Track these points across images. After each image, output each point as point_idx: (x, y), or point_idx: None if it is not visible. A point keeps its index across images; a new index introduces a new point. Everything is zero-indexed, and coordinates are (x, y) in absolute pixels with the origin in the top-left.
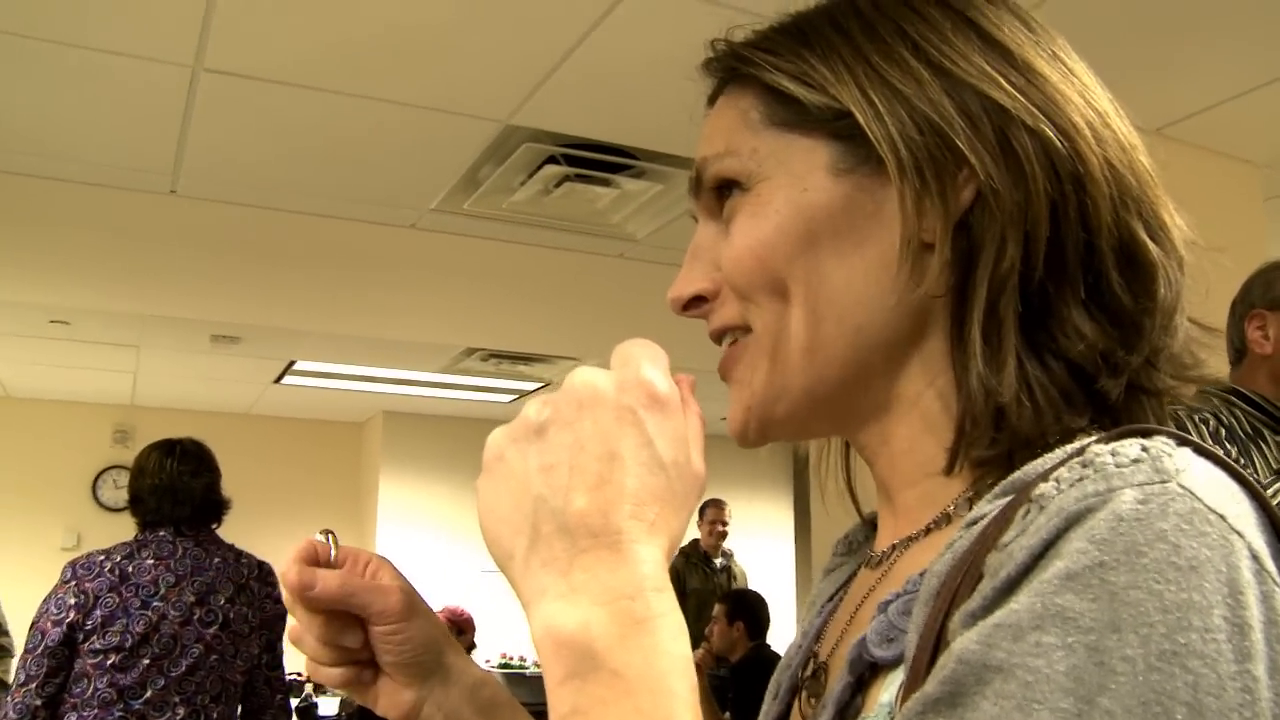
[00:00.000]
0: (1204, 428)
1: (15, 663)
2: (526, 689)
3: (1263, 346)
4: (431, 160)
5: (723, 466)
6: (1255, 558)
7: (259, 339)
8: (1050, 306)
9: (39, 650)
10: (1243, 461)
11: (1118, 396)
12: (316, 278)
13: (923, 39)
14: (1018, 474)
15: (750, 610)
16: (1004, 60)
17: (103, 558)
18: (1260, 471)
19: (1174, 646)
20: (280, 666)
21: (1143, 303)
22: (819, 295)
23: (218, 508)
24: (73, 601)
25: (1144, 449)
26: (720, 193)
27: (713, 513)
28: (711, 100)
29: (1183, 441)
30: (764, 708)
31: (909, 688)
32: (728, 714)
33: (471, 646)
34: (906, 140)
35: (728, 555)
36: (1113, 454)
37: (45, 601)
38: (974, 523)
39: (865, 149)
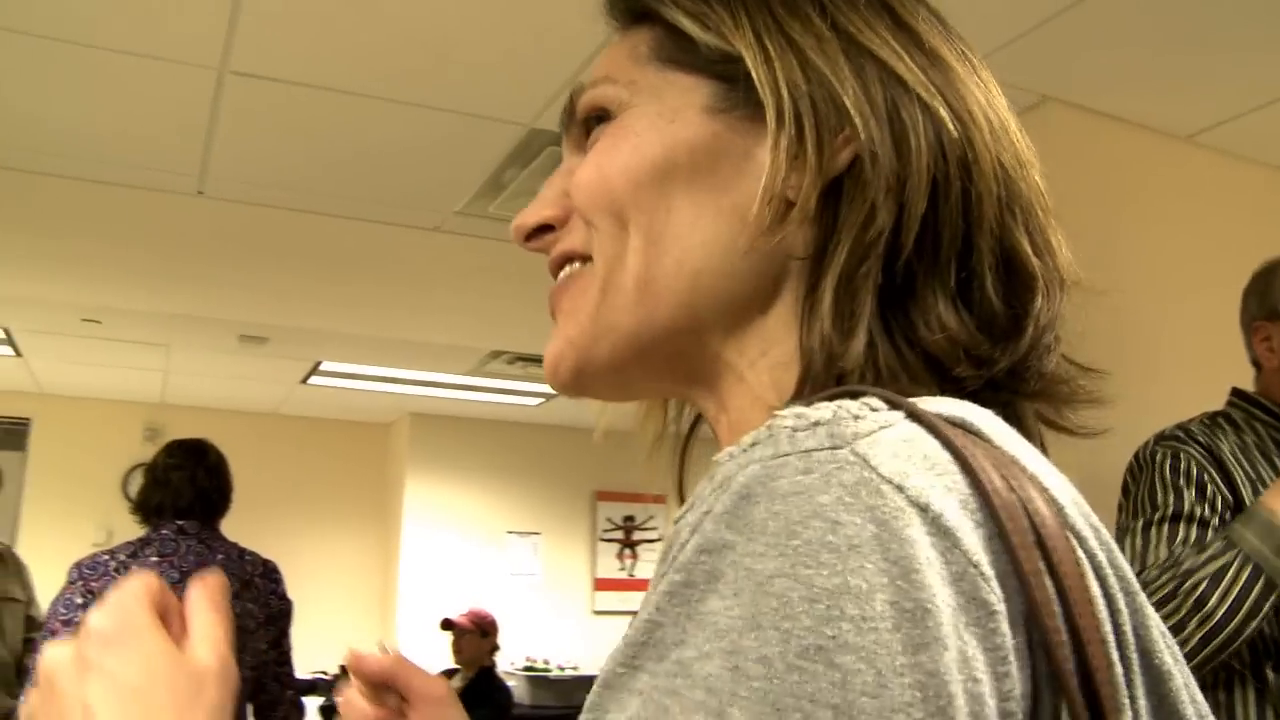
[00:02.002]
0: (1223, 441)
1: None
2: (551, 692)
3: (1270, 360)
4: (456, 163)
5: None
6: (943, 533)
7: (286, 339)
8: (914, 290)
9: None
10: (1261, 473)
11: (973, 389)
12: (342, 279)
13: (832, 3)
14: None
15: None
16: (911, 41)
17: (107, 557)
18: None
19: (819, 640)
20: (289, 662)
21: (1016, 311)
22: (662, 229)
23: (213, 505)
24: (80, 601)
25: (834, 411)
26: (589, 125)
27: None
28: None
29: (896, 404)
30: None
31: None
32: None
33: (495, 648)
34: (791, 87)
35: None
36: (797, 416)
37: (54, 603)
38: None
39: (746, 93)
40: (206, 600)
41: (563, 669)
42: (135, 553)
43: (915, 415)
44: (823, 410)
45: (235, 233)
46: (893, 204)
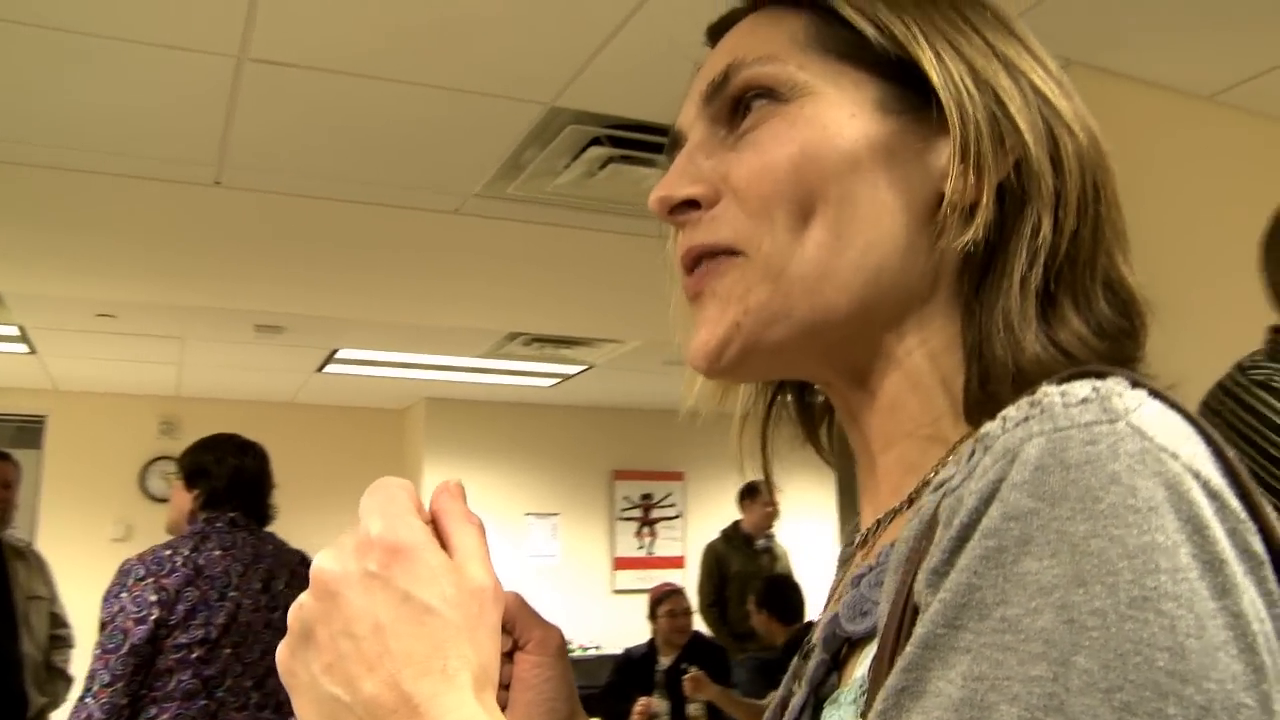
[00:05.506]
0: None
1: (75, 654)
2: (575, 672)
3: None
4: (475, 145)
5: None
6: (1213, 495)
7: (302, 328)
8: (1054, 300)
9: (124, 650)
10: None
11: None
12: (360, 266)
13: (983, 26)
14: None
15: (777, 598)
16: (1046, 71)
17: (169, 553)
18: None
19: (1144, 592)
20: None
21: (1125, 325)
22: (851, 221)
23: (263, 498)
24: (154, 599)
25: (1094, 389)
26: (738, 104)
27: (764, 495)
28: (731, 19)
29: (1137, 384)
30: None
31: (880, 660)
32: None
33: None
34: (968, 92)
35: (769, 536)
36: (1062, 394)
37: (115, 600)
38: (940, 485)
39: (915, 96)
40: (462, 513)
41: (585, 649)
42: (197, 546)
43: (1156, 394)
44: (1084, 388)
45: (252, 222)
46: (1050, 216)
